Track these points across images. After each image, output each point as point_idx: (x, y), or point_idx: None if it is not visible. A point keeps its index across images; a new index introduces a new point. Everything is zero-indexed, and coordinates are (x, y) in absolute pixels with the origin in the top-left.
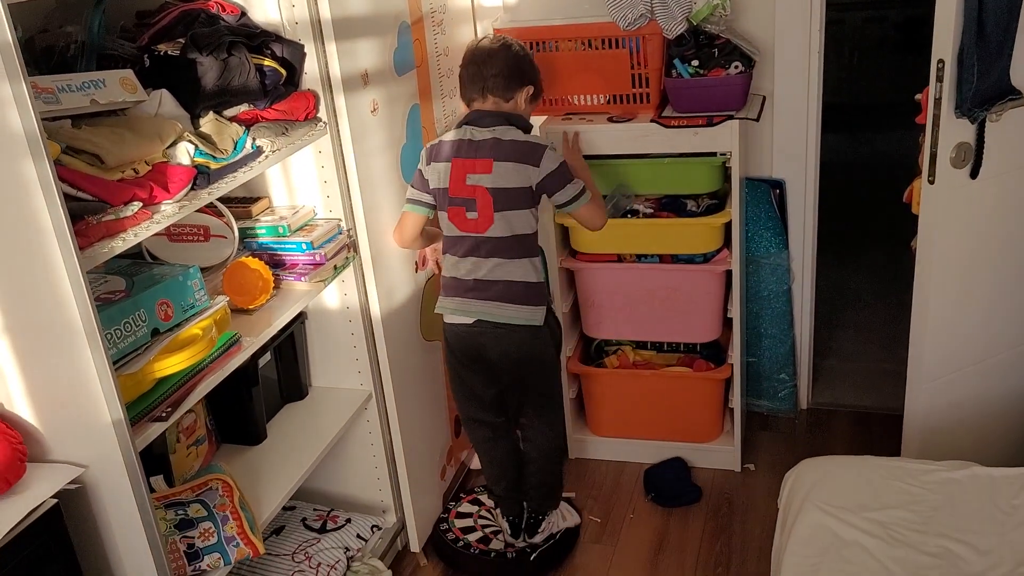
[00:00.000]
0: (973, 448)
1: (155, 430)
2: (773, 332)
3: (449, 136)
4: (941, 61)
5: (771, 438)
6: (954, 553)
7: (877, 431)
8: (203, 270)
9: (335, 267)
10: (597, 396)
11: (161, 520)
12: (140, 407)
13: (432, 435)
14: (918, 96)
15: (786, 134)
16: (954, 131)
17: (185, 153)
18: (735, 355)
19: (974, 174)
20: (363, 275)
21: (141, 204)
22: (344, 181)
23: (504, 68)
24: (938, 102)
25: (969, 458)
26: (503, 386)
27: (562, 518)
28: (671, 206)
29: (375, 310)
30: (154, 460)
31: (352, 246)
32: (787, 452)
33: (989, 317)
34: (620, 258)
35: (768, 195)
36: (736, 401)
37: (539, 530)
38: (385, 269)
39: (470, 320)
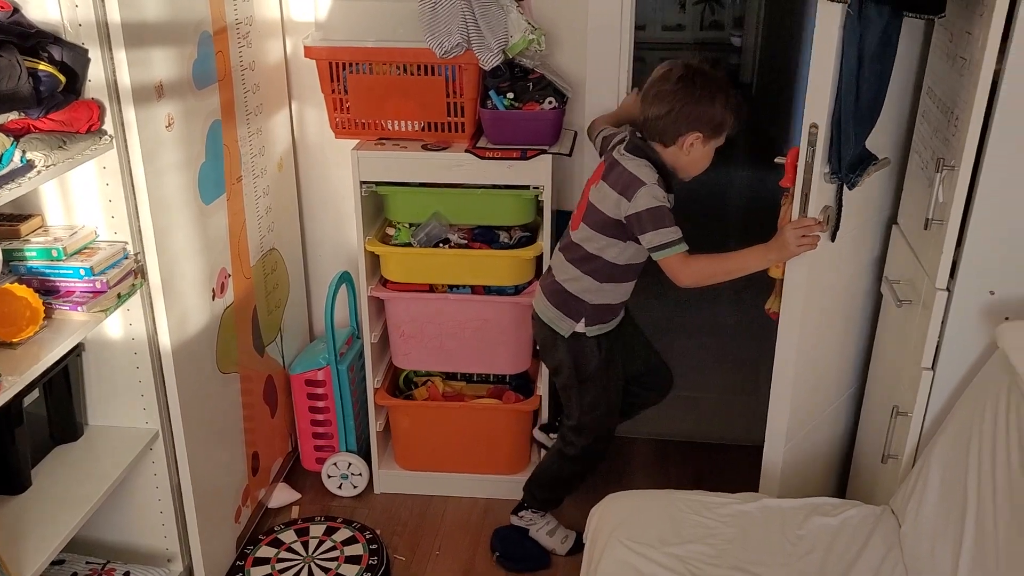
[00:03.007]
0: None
1: None
2: None
3: (622, 132)
4: (815, 126)
5: None
6: None
7: (674, 457)
8: None
9: (119, 295)
10: (404, 429)
11: None
12: None
13: (226, 474)
14: (779, 159)
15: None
16: (822, 195)
17: None
18: (543, 386)
19: (833, 237)
20: (151, 304)
21: None
22: (132, 201)
23: (665, 113)
24: (809, 166)
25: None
26: None
27: (548, 534)
28: (484, 237)
29: (164, 341)
30: None
31: (139, 272)
32: (591, 481)
33: (826, 371)
34: (431, 288)
35: None
36: None
37: (518, 514)
38: (177, 297)
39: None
